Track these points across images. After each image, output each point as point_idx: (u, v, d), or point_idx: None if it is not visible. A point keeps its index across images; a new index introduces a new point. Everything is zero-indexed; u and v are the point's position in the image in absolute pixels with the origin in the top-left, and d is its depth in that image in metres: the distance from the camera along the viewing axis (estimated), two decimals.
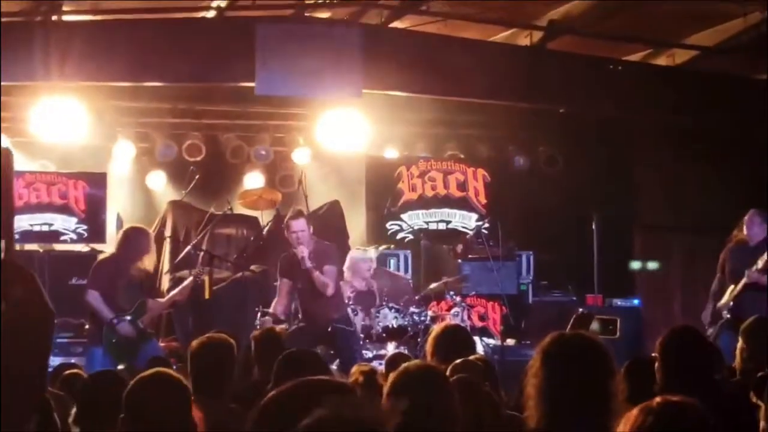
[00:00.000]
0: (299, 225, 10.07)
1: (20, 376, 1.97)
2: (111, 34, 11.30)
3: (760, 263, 9.94)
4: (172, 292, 10.69)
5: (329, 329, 9.98)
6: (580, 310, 12.24)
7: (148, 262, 10.19)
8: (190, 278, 10.63)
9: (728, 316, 9.96)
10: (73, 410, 5.04)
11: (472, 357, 6.19)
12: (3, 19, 10.97)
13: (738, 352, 6.11)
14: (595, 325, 10.84)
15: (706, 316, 10.40)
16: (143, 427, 3.85)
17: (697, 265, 14.12)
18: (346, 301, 10.82)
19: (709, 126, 13.76)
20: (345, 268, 11.39)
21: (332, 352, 10.15)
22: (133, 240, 10.19)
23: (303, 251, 9.91)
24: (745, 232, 10.34)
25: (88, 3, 11.43)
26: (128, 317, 9.91)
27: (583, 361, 3.74)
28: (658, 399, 2.91)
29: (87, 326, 10.52)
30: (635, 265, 14.03)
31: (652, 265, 13.91)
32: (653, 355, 5.47)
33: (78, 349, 11.85)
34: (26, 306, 1.97)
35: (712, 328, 10.11)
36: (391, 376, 4.02)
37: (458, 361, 5.63)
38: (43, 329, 1.99)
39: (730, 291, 10.19)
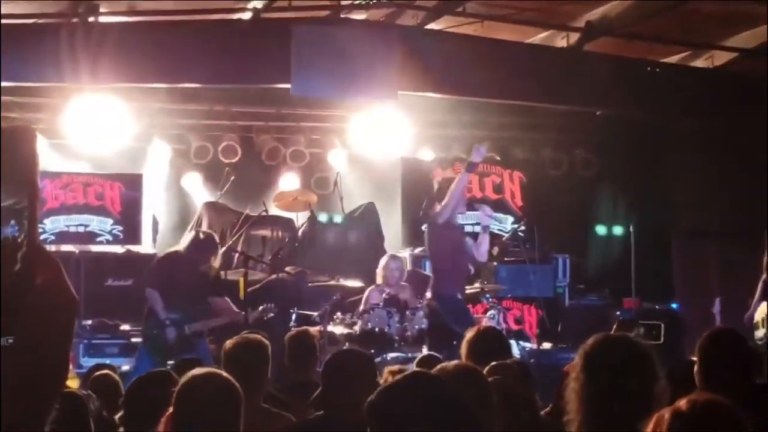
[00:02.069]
0: None
1: (42, 361, 1.96)
2: (147, 35, 11.32)
3: None
4: (229, 318, 10.61)
5: None
6: (618, 313, 12.24)
7: (212, 268, 10.36)
8: (257, 313, 10.61)
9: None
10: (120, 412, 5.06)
11: (508, 360, 6.15)
12: (40, 21, 11.04)
13: None
14: (639, 330, 10.78)
15: (750, 316, 10.17)
16: (192, 425, 3.86)
17: (735, 269, 14.00)
18: (380, 304, 10.79)
19: (749, 130, 13.63)
20: (377, 272, 11.37)
21: None
22: (202, 243, 10.31)
23: None
24: None
25: (125, 4, 11.46)
26: (176, 322, 10.04)
27: (626, 364, 3.66)
28: (684, 401, 2.81)
29: (144, 323, 10.59)
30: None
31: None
32: (692, 358, 5.40)
33: (114, 350, 11.90)
34: (49, 291, 1.96)
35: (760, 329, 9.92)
36: None
37: (495, 363, 5.58)
38: (65, 316, 1.98)
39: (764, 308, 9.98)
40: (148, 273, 10.72)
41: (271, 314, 10.69)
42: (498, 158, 15.01)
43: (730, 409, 2.77)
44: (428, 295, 10.52)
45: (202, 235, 10.66)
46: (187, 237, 10.80)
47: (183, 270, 10.21)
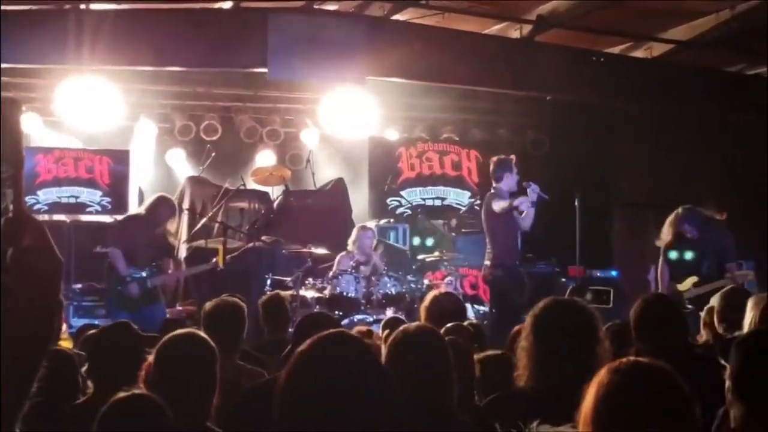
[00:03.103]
0: None
1: (29, 321, 1.92)
2: (135, 21, 11.24)
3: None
4: (190, 270, 11.04)
5: None
6: (564, 280, 12.31)
7: (171, 227, 10.41)
8: (209, 265, 10.73)
9: (690, 307, 9.76)
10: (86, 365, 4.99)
11: (466, 323, 6.18)
12: (36, 7, 10.94)
13: (716, 314, 6.08)
14: (588, 295, 10.85)
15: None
16: (172, 380, 3.87)
17: None
18: (349, 271, 10.83)
19: (683, 113, 13.74)
20: (350, 241, 11.42)
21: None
22: (160, 206, 10.35)
23: None
24: (679, 229, 10.20)
25: None
26: (139, 276, 10.09)
27: (570, 326, 3.69)
28: (623, 359, 2.78)
29: (106, 280, 10.68)
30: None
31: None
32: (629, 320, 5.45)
33: (101, 311, 11.87)
34: (34, 254, 1.93)
35: None
36: (391, 336, 4.00)
37: (450, 324, 5.60)
38: (50, 277, 1.95)
39: (691, 281, 10.03)
40: (110, 233, 10.75)
41: (220, 267, 10.75)
42: (457, 138, 15.05)
43: (663, 368, 2.77)
44: (487, 263, 10.40)
45: (159, 199, 10.71)
46: (147, 200, 10.88)
47: (142, 230, 10.27)
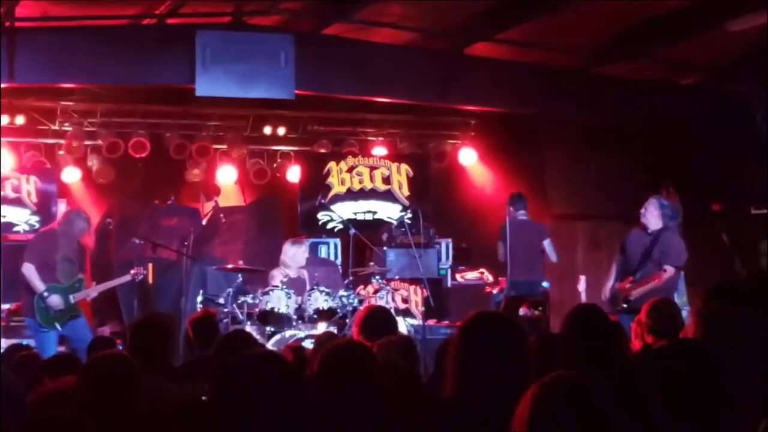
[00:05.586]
0: None
1: None
2: (61, 39, 11.11)
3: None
4: (110, 283, 10.86)
5: None
6: (494, 292, 12.39)
7: (86, 241, 10.36)
8: (129, 276, 10.64)
9: (625, 305, 9.89)
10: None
11: (394, 336, 6.18)
12: None
13: (644, 325, 6.12)
14: (523, 308, 10.92)
15: (605, 291, 10.37)
16: (96, 401, 3.83)
17: (600, 250, 14.28)
18: (279, 286, 10.76)
19: (614, 124, 13.86)
20: (283, 257, 11.36)
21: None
22: (73, 220, 10.24)
23: None
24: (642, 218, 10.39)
25: (39, 10, 11.19)
26: (60, 290, 10.03)
27: (496, 338, 3.70)
28: (553, 374, 2.83)
29: (20, 300, 10.61)
30: None
31: None
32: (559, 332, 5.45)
33: (29, 332, 11.67)
34: None
35: (611, 306, 10.04)
36: (321, 352, 3.99)
37: (382, 340, 5.61)
38: None
39: (628, 281, 10.14)
40: (26, 250, 10.60)
41: (141, 277, 10.64)
42: (386, 152, 15.05)
43: (589, 383, 2.79)
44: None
45: (71, 213, 10.63)
46: (60, 213, 10.82)
47: (57, 245, 10.20)
